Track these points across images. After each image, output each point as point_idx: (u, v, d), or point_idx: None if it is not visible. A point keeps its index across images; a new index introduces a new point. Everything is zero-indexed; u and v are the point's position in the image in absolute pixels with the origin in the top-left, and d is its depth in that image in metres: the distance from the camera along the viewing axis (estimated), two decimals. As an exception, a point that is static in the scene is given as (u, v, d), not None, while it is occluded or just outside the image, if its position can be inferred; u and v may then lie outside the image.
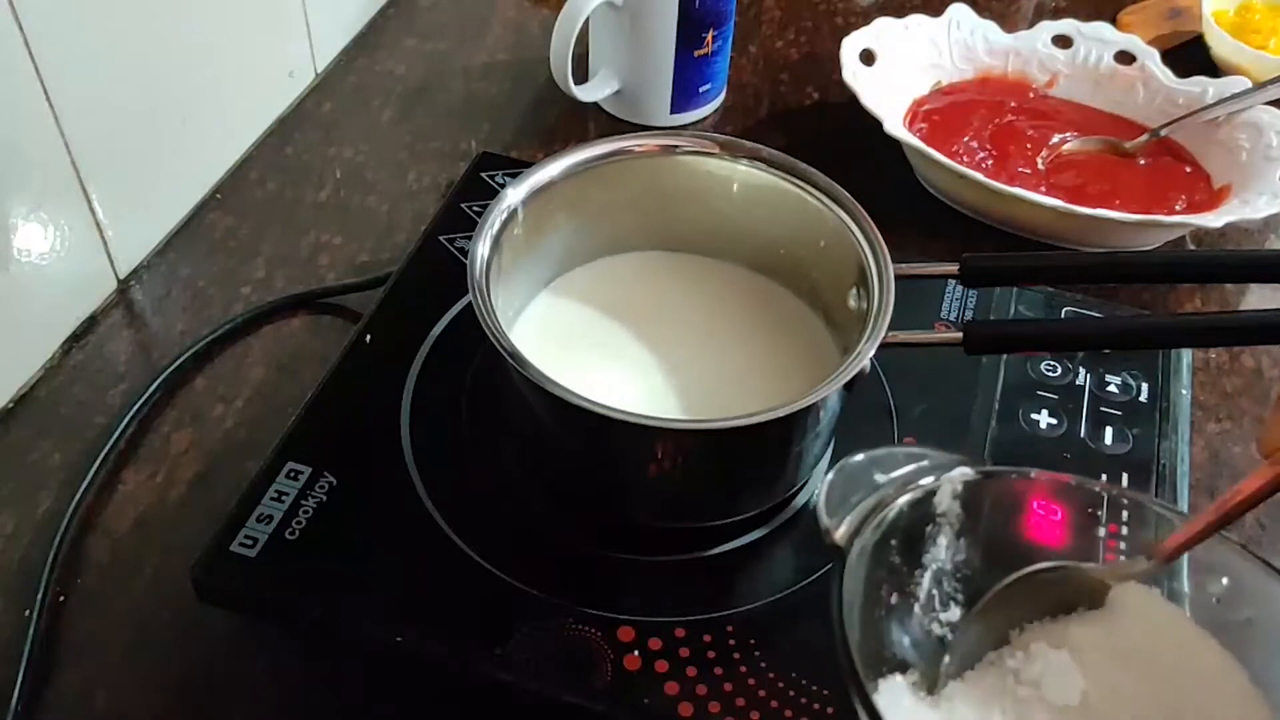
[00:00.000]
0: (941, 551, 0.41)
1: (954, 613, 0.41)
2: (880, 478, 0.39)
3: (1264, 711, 0.37)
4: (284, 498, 0.48)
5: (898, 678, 0.38)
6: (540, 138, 0.76)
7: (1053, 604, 0.41)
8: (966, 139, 0.73)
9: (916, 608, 0.40)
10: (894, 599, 0.40)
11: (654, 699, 0.43)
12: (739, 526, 0.49)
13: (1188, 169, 0.72)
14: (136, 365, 0.60)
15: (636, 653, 0.44)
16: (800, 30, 0.88)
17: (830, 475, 0.39)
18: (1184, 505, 0.52)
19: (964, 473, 0.40)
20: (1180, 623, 0.40)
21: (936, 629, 0.41)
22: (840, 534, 0.37)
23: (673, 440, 0.44)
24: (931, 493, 0.40)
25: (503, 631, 0.45)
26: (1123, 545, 0.41)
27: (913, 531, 0.40)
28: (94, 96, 0.58)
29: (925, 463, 0.40)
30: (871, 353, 0.45)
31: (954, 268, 0.50)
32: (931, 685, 0.39)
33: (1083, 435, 0.53)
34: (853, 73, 0.73)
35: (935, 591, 0.41)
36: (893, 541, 0.39)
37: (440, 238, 0.61)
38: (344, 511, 0.48)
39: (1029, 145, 0.73)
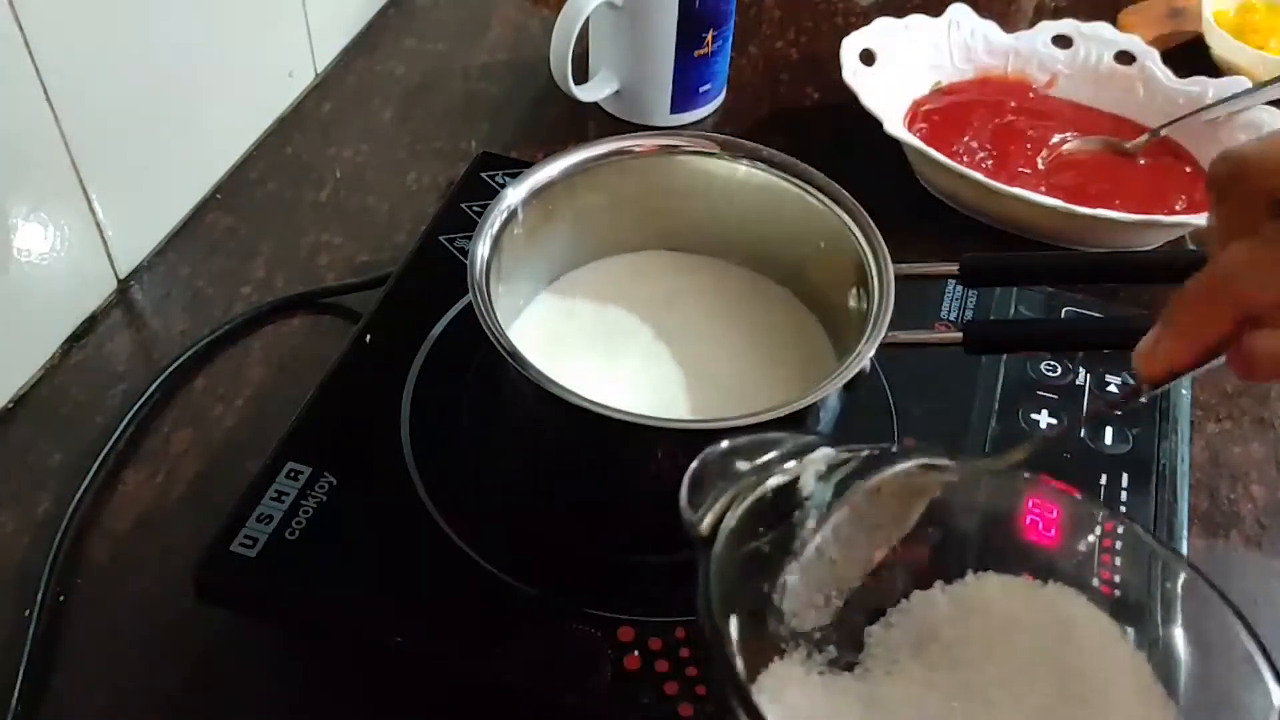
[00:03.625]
0: (810, 535, 0.39)
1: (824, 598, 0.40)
2: (743, 465, 0.37)
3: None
4: (284, 498, 0.48)
5: (778, 663, 0.37)
6: (540, 138, 0.76)
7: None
8: (966, 139, 0.73)
9: None
10: (766, 588, 0.38)
11: (654, 699, 0.43)
12: (739, 526, 0.49)
13: (1188, 169, 0.72)
14: (136, 365, 0.60)
15: (636, 653, 0.44)
16: (800, 30, 0.88)
17: (693, 465, 0.37)
18: (1184, 505, 0.52)
19: (826, 454, 0.38)
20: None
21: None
22: (705, 525, 0.35)
23: (673, 440, 0.44)
24: (795, 477, 0.38)
25: (503, 631, 0.45)
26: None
27: (780, 517, 0.38)
28: (94, 96, 0.58)
29: (789, 445, 0.38)
30: (871, 353, 0.45)
31: (954, 268, 0.50)
32: (830, 662, 0.39)
33: (1083, 435, 0.53)
34: (853, 73, 0.73)
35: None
36: (760, 529, 0.37)
37: (440, 238, 0.61)
38: (344, 511, 0.48)
39: (1029, 145, 0.73)
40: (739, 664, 0.34)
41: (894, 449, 0.40)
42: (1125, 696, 0.37)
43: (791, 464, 0.38)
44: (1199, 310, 0.33)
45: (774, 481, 0.37)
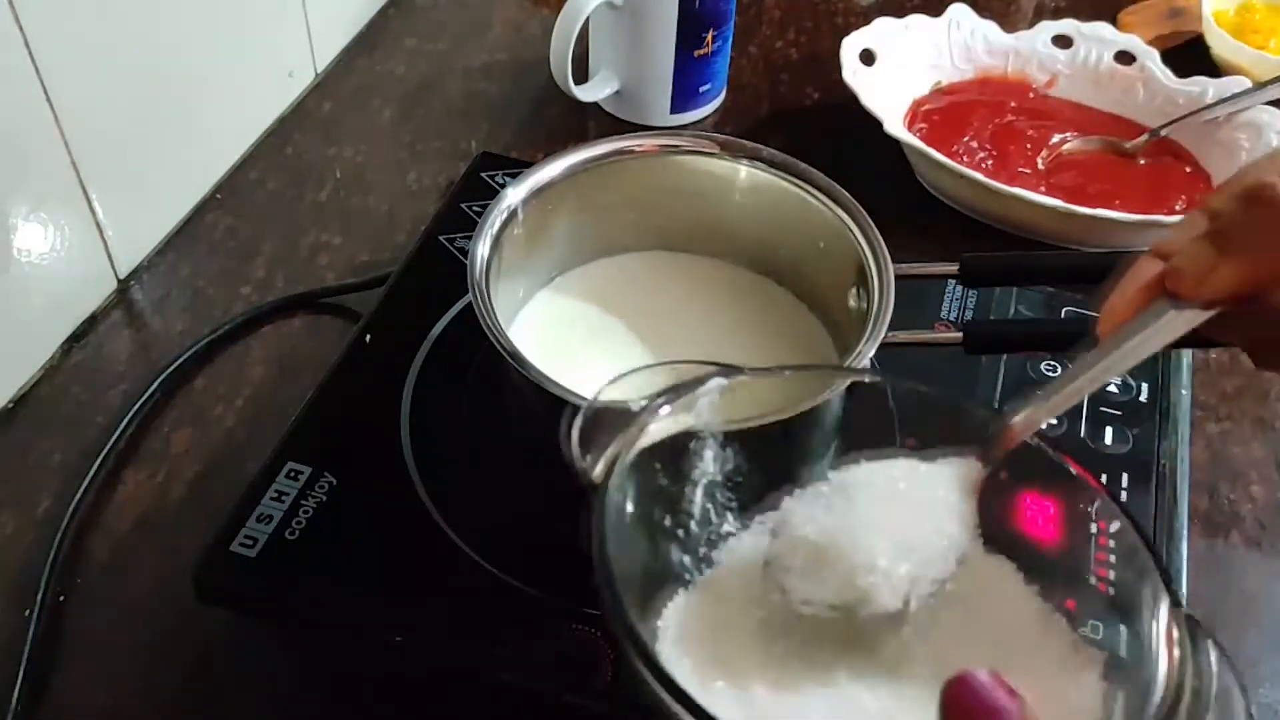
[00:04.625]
0: (709, 464, 0.39)
1: (730, 523, 0.40)
2: (634, 406, 0.37)
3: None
4: (284, 498, 0.48)
5: (683, 593, 0.38)
6: (540, 138, 0.76)
7: None
8: (966, 139, 0.73)
9: (693, 525, 0.39)
10: (667, 520, 0.39)
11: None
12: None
13: (1188, 169, 0.72)
14: (136, 365, 0.60)
15: (636, 653, 0.44)
16: (800, 30, 0.88)
17: (582, 412, 0.37)
18: (1184, 505, 0.52)
19: (719, 383, 0.38)
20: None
21: (715, 539, 0.40)
22: (597, 470, 0.35)
23: (673, 440, 0.44)
24: (688, 408, 0.38)
25: (503, 631, 0.45)
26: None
27: (676, 449, 0.38)
28: (94, 96, 0.58)
29: (684, 380, 0.38)
30: (871, 353, 0.45)
31: (954, 268, 0.50)
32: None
33: (1083, 435, 0.53)
34: (853, 73, 0.73)
35: (709, 506, 0.39)
36: (656, 464, 0.38)
37: (440, 238, 0.61)
38: (344, 511, 0.48)
39: (1029, 145, 0.73)
40: (627, 602, 0.33)
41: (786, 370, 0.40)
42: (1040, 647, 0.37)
43: (685, 397, 0.38)
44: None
45: (667, 416, 0.37)
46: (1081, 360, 0.37)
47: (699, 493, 0.39)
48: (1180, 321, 0.35)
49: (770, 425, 0.40)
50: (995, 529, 0.39)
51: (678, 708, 0.29)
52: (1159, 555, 0.34)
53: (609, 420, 0.36)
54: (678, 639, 0.36)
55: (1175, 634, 0.32)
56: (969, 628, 0.37)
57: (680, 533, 0.39)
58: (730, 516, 0.40)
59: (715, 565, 0.39)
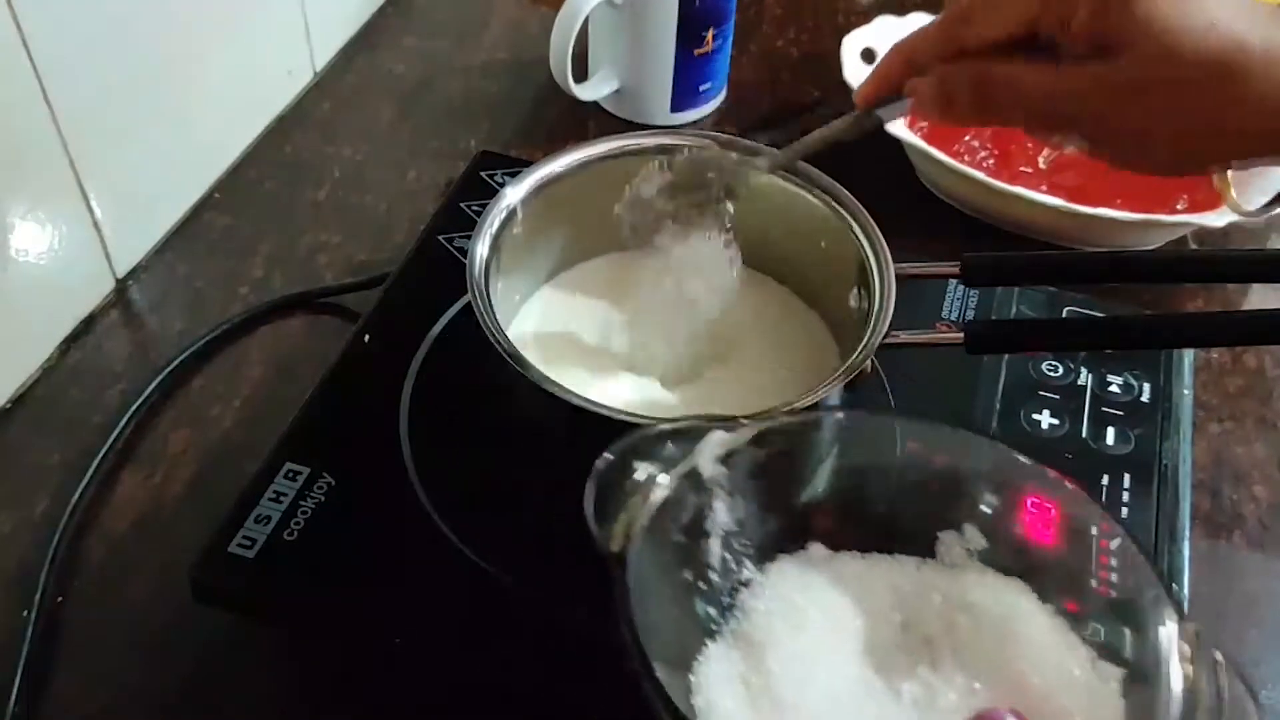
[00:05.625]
0: (722, 515, 0.40)
1: (748, 570, 0.40)
2: (639, 465, 0.38)
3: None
4: (282, 498, 0.48)
5: (712, 645, 0.38)
6: (540, 137, 0.76)
7: None
8: (968, 138, 0.72)
9: (714, 576, 0.40)
10: (689, 575, 0.39)
11: (654, 700, 0.43)
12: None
13: (1189, 168, 0.72)
14: (134, 365, 0.60)
15: (636, 654, 0.44)
16: (801, 29, 0.88)
17: (590, 481, 0.37)
18: (1186, 506, 0.52)
19: (720, 438, 0.39)
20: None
21: (736, 587, 0.40)
22: (615, 541, 0.36)
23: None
24: (693, 465, 0.39)
25: (502, 631, 0.44)
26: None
27: (687, 506, 0.39)
28: (92, 95, 0.58)
29: (682, 434, 0.39)
30: (872, 353, 0.45)
31: (955, 267, 0.50)
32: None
33: (1084, 435, 0.53)
34: (853, 71, 0.73)
35: (727, 555, 0.40)
36: (669, 523, 0.39)
37: (439, 237, 0.60)
38: (342, 512, 0.48)
39: (1030, 144, 0.72)
40: (656, 661, 0.34)
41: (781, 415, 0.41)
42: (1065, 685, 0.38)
43: (688, 456, 0.39)
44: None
45: (674, 475, 0.38)
46: (839, 120, 0.47)
47: (715, 544, 0.40)
48: (908, 108, 0.44)
49: (777, 472, 0.41)
50: (1006, 550, 0.40)
51: None
52: (1161, 571, 0.36)
53: (616, 481, 0.38)
54: (711, 690, 0.36)
55: (1186, 648, 0.33)
56: (997, 648, 0.38)
57: (702, 585, 0.40)
58: (748, 563, 0.41)
59: (739, 613, 0.39)
